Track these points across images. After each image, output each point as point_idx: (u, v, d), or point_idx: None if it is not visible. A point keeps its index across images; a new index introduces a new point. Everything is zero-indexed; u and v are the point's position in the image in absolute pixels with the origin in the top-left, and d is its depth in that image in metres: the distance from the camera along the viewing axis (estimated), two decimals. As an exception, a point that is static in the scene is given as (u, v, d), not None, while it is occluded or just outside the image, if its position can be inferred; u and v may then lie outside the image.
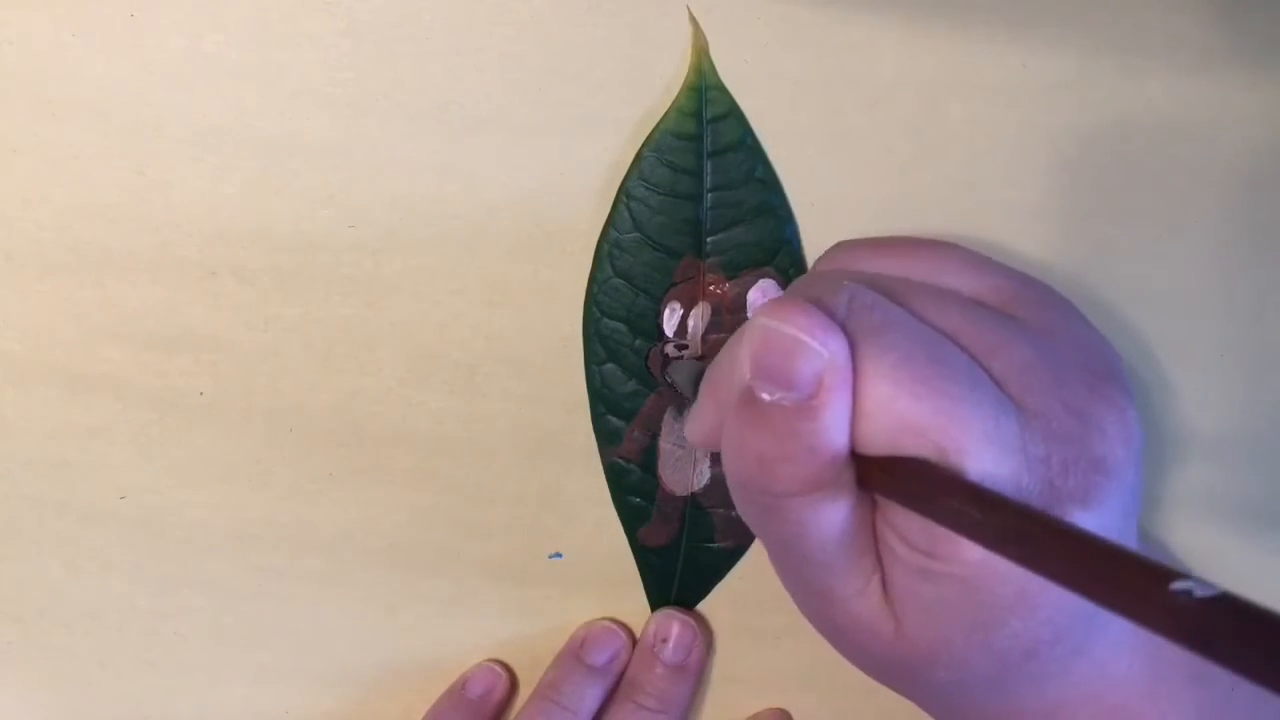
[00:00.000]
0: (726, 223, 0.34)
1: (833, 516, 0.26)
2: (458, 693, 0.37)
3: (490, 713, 0.37)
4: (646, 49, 0.32)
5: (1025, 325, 0.28)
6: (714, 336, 0.34)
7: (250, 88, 0.32)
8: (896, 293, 0.27)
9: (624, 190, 0.33)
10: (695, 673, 0.37)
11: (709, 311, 0.34)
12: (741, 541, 0.37)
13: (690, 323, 0.34)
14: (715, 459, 0.36)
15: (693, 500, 0.36)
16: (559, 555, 0.37)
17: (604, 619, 0.37)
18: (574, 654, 0.37)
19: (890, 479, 0.25)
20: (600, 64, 0.33)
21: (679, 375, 0.34)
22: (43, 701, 0.37)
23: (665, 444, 0.35)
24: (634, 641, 0.37)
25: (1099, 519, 0.25)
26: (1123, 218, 0.34)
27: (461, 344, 0.35)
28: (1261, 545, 0.36)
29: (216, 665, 0.37)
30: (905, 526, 0.25)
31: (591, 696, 0.36)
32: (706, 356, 0.35)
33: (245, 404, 0.35)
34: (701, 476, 0.36)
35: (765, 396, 0.25)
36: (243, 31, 0.32)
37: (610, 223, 0.34)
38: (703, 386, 0.29)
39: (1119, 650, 0.28)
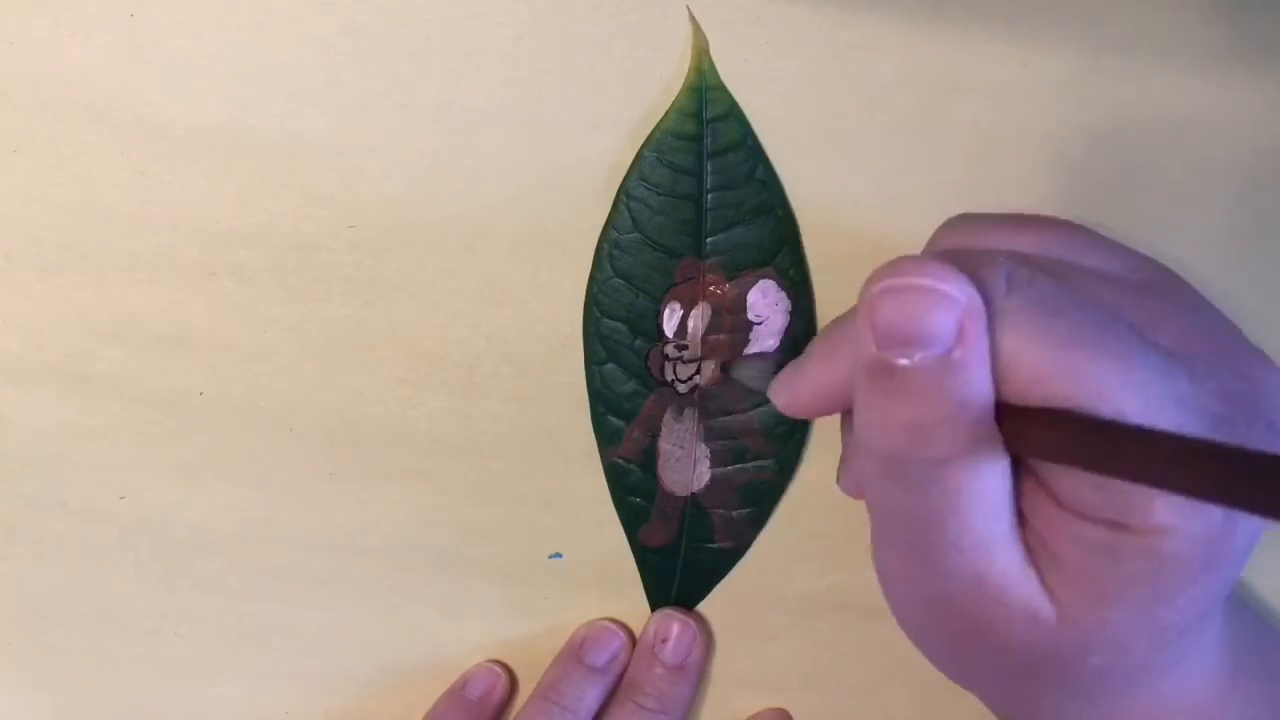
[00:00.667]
0: (726, 223, 0.34)
1: (992, 480, 0.25)
2: (458, 693, 0.37)
3: (490, 713, 0.37)
4: (646, 49, 0.32)
5: (1175, 303, 0.27)
6: (714, 337, 0.34)
7: (250, 88, 0.32)
8: (1046, 269, 0.26)
9: (624, 190, 0.33)
10: (695, 673, 0.37)
11: (709, 312, 0.34)
12: (741, 543, 0.37)
13: (690, 323, 0.34)
14: (715, 459, 0.36)
15: (693, 500, 0.36)
16: (559, 555, 0.37)
17: (604, 619, 0.37)
18: (574, 654, 0.37)
19: (1057, 435, 0.23)
20: (600, 64, 0.33)
21: (751, 371, 0.34)
22: (43, 701, 0.37)
23: (665, 444, 0.35)
24: (634, 641, 0.37)
25: None
26: (1122, 217, 0.34)
27: (461, 344, 0.35)
28: (1261, 545, 0.36)
29: (216, 665, 0.37)
30: (1087, 499, 0.24)
31: (591, 697, 0.36)
32: (707, 357, 0.35)
33: (245, 404, 0.35)
34: (701, 477, 0.36)
35: (903, 361, 0.24)
36: (243, 31, 0.32)
37: (610, 223, 0.33)
38: (813, 348, 0.28)
39: (1210, 644, 0.28)
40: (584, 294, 0.34)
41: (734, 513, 0.36)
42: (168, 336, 0.34)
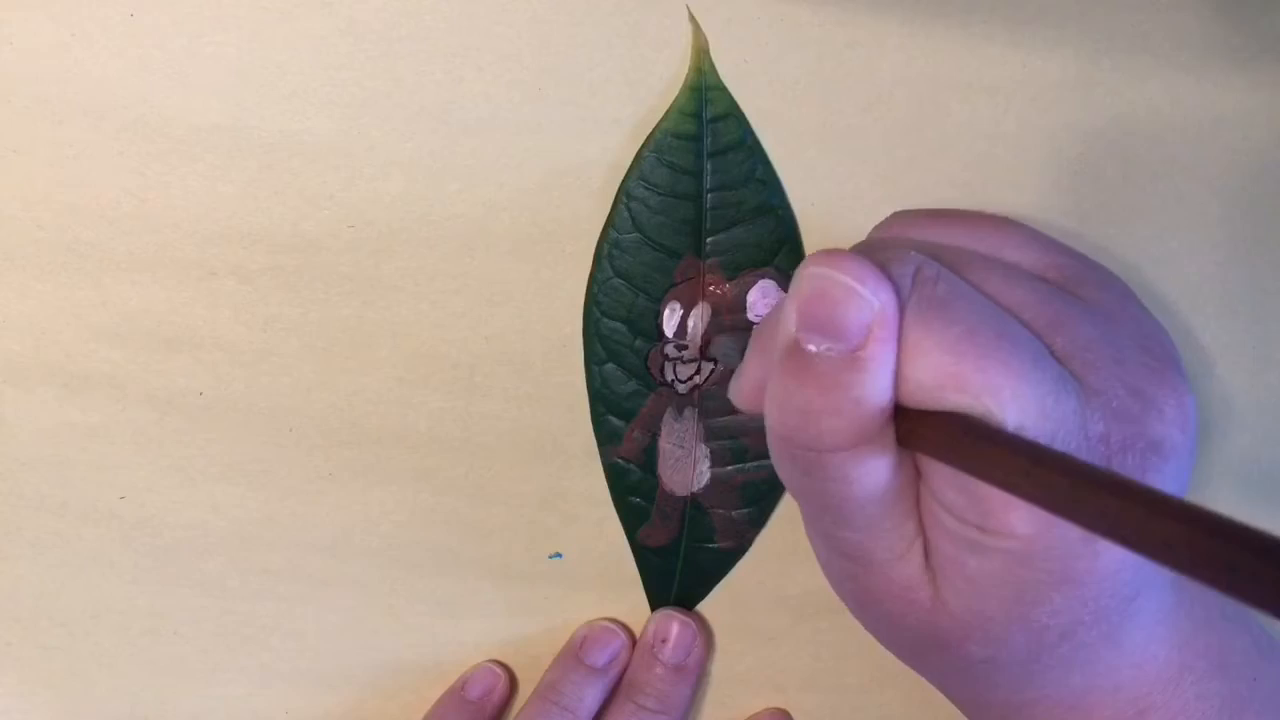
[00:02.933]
0: (726, 223, 0.34)
1: (875, 473, 0.25)
2: (457, 694, 0.37)
3: (490, 713, 0.37)
4: (646, 49, 0.32)
5: (1087, 304, 0.28)
6: (714, 337, 0.34)
7: (250, 88, 0.32)
8: (960, 264, 0.27)
9: (624, 190, 0.33)
10: (695, 673, 0.37)
11: (709, 312, 0.34)
12: (741, 543, 0.37)
13: (690, 323, 0.34)
14: (715, 459, 0.36)
15: (693, 501, 0.36)
16: (559, 555, 0.37)
17: (604, 619, 0.37)
18: (574, 654, 0.37)
19: (942, 438, 0.24)
20: (600, 64, 0.33)
21: (724, 348, 0.34)
22: (43, 701, 0.37)
23: (665, 444, 0.35)
24: (634, 641, 0.37)
25: None
26: (1122, 217, 0.34)
27: (461, 344, 0.35)
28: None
29: (216, 665, 0.37)
30: (953, 499, 0.25)
31: (591, 697, 0.36)
32: (707, 358, 0.35)
33: (245, 404, 0.35)
34: (701, 477, 0.36)
35: (811, 348, 0.25)
36: (243, 31, 0.32)
37: (610, 223, 0.34)
38: (750, 345, 0.29)
39: (1150, 639, 0.28)
40: (584, 294, 0.34)
41: (734, 513, 0.36)
42: (168, 336, 0.34)
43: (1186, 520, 0.18)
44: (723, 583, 0.37)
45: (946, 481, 0.25)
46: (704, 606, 0.38)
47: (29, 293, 0.34)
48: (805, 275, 0.25)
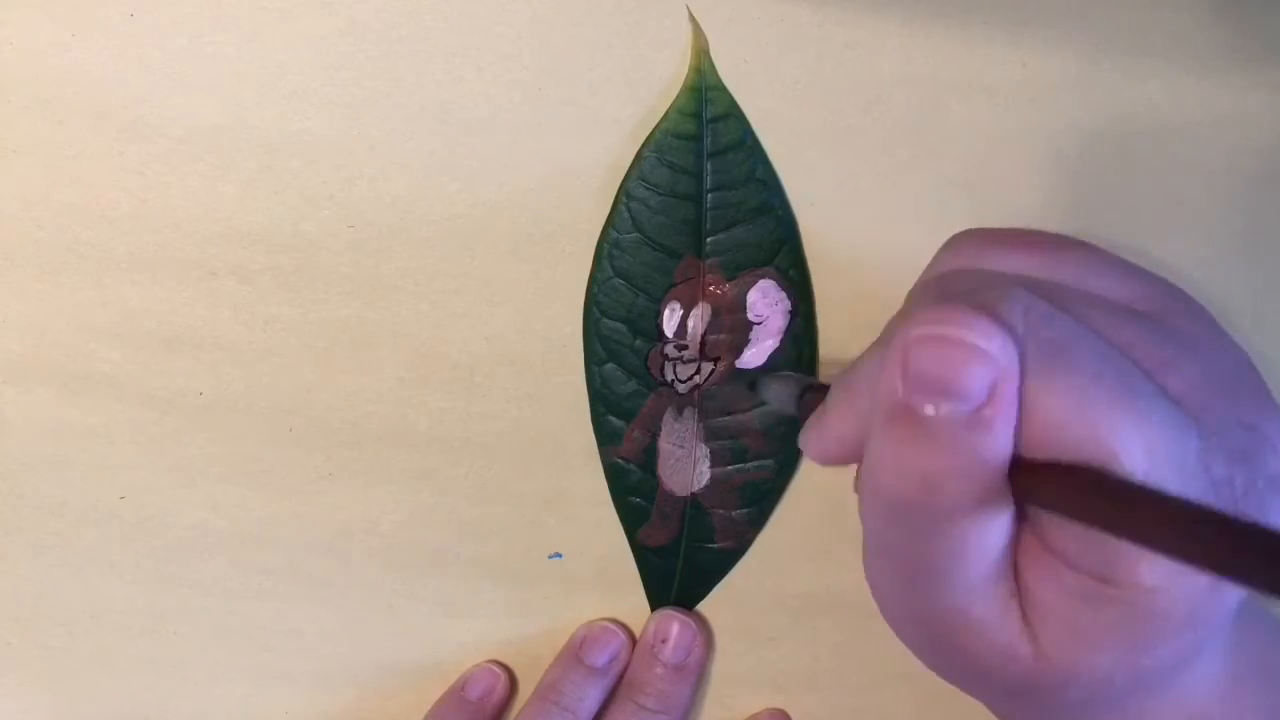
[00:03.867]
0: (726, 223, 0.34)
1: (994, 534, 0.24)
2: (457, 694, 0.37)
3: (490, 713, 0.37)
4: (646, 49, 0.32)
5: (1187, 337, 0.27)
6: (714, 337, 0.34)
7: (250, 88, 0.32)
8: (1062, 301, 0.26)
9: (624, 190, 0.33)
10: (695, 673, 0.37)
11: (709, 312, 0.34)
12: (741, 543, 0.37)
13: (690, 323, 0.34)
14: (714, 459, 0.36)
15: (693, 501, 0.36)
16: (559, 555, 0.37)
17: (604, 619, 0.37)
18: (574, 654, 0.37)
19: (1067, 491, 0.23)
20: (600, 64, 0.33)
21: (773, 392, 0.33)
22: (43, 701, 0.37)
23: (665, 444, 0.35)
24: (634, 642, 0.37)
25: None
26: (1123, 218, 0.34)
27: (461, 344, 0.35)
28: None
29: (216, 665, 0.37)
30: (1074, 551, 0.24)
31: (591, 697, 0.36)
32: (709, 357, 0.35)
33: (245, 404, 0.35)
34: (701, 477, 0.36)
35: (930, 411, 0.23)
36: (243, 31, 0.32)
37: (610, 223, 0.34)
38: (833, 397, 0.28)
39: (1213, 655, 0.28)
40: (584, 294, 0.34)
41: (734, 513, 0.36)
42: (168, 336, 0.34)
43: None
44: (723, 583, 0.37)
45: (1070, 533, 0.24)
46: (704, 606, 0.38)
47: (29, 293, 0.34)
48: (918, 336, 0.23)
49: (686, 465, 0.36)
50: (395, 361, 0.35)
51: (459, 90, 0.33)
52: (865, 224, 0.34)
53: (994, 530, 0.24)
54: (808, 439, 0.28)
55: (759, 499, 0.36)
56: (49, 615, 0.37)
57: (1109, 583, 0.24)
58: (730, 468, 0.36)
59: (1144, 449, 0.23)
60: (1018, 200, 0.34)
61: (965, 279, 0.27)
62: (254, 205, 0.33)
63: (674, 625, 0.37)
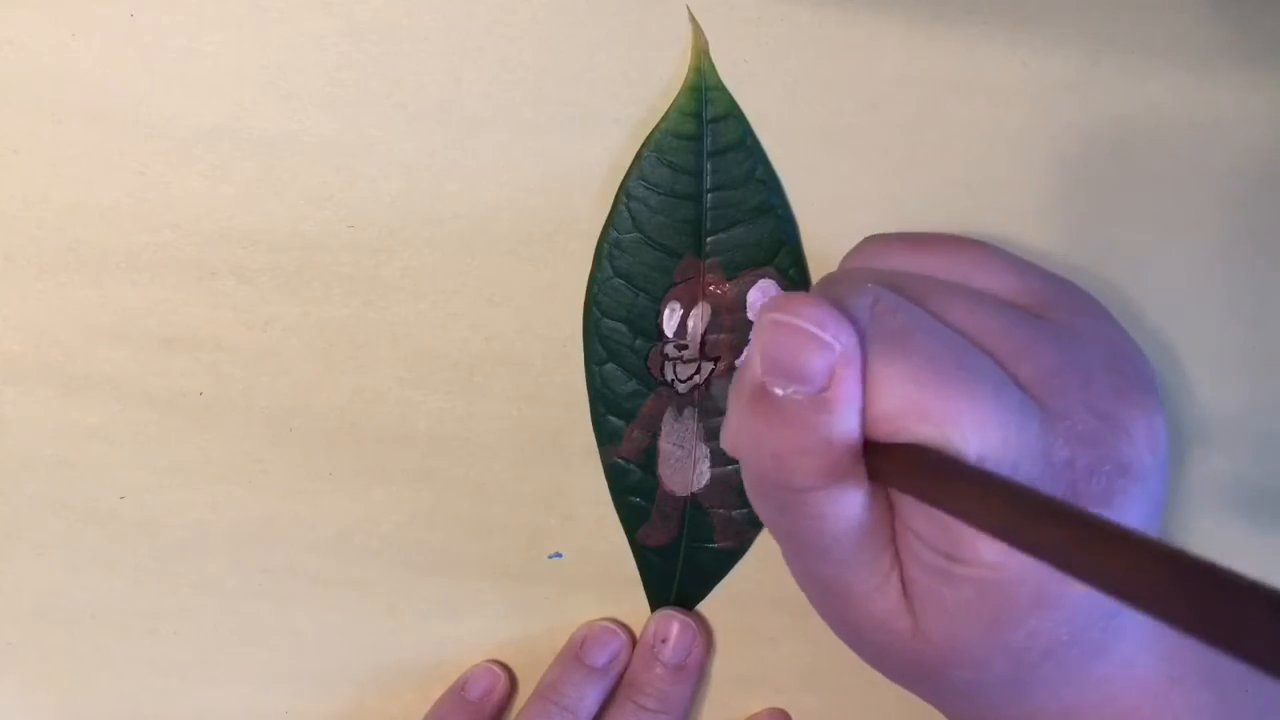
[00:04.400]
0: (726, 223, 0.34)
1: (849, 509, 0.26)
2: (457, 693, 0.37)
3: (490, 713, 0.37)
4: (646, 49, 0.32)
5: (1056, 328, 0.28)
6: (714, 337, 0.34)
7: (250, 88, 0.32)
8: (923, 293, 0.27)
9: (624, 190, 0.33)
10: (695, 673, 0.37)
11: (709, 312, 0.34)
12: (741, 543, 0.37)
13: (690, 323, 0.34)
14: (714, 459, 0.36)
15: (693, 500, 0.36)
16: (559, 555, 0.37)
17: (604, 619, 0.37)
18: (574, 654, 0.37)
19: (905, 470, 0.24)
20: (600, 64, 0.33)
21: (724, 392, 0.34)
22: (43, 701, 0.37)
23: (665, 444, 0.35)
24: (634, 642, 0.37)
25: (1122, 522, 0.25)
26: (1123, 218, 0.34)
27: (461, 344, 0.35)
28: (1260, 545, 0.36)
29: (216, 665, 0.37)
30: (924, 529, 0.25)
31: (591, 697, 0.36)
32: (709, 357, 0.35)
33: (245, 404, 0.35)
34: (701, 477, 0.36)
35: (778, 391, 0.25)
36: (243, 31, 0.32)
37: (610, 223, 0.34)
38: (730, 392, 0.29)
39: (1136, 651, 0.28)
40: (584, 294, 0.34)
41: (734, 512, 0.36)
42: (168, 336, 0.34)
43: (1136, 554, 0.17)
44: (723, 583, 0.37)
45: (916, 512, 0.26)
46: (704, 606, 0.38)
47: (29, 293, 0.34)
48: (766, 322, 0.25)
49: (686, 465, 0.36)
50: (395, 361, 0.35)
51: (459, 90, 0.33)
52: (865, 224, 0.34)
53: (846, 506, 0.26)
54: (723, 435, 0.30)
55: (759, 499, 0.36)
56: (49, 615, 0.37)
57: (956, 560, 0.25)
58: (730, 467, 0.36)
59: (976, 430, 0.24)
60: (1018, 200, 0.34)
61: (841, 276, 0.29)
62: (254, 205, 0.33)
63: (674, 625, 0.37)
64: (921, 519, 0.25)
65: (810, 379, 0.25)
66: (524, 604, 0.37)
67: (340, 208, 0.33)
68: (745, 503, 0.36)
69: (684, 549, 0.37)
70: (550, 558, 0.37)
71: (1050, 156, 0.33)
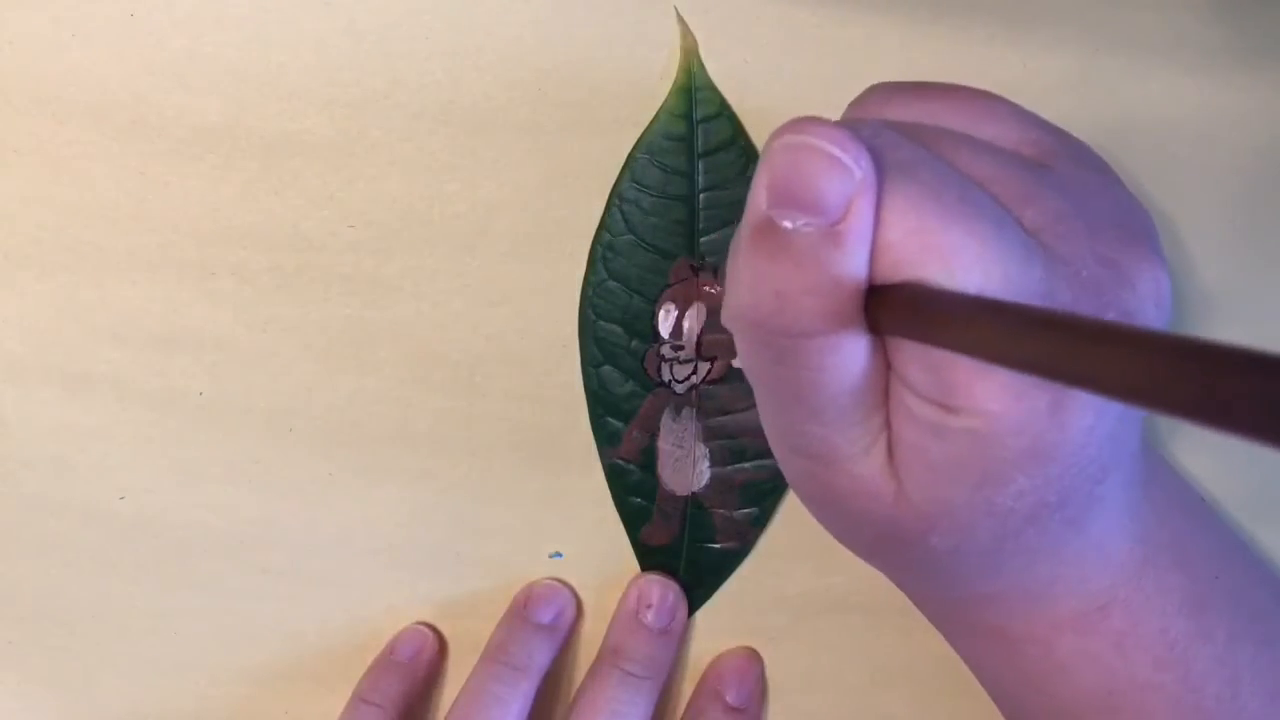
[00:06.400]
0: (719, 223, 0.34)
1: (851, 359, 0.24)
2: (386, 657, 0.37)
3: (421, 673, 0.37)
4: (646, 49, 0.32)
5: (1062, 179, 0.27)
6: (710, 337, 0.34)
7: (250, 88, 0.32)
8: (927, 140, 0.26)
9: (616, 192, 0.33)
10: (678, 636, 0.37)
11: (704, 312, 0.34)
12: (744, 543, 0.37)
13: (685, 324, 0.34)
14: (714, 459, 0.36)
15: (693, 500, 0.36)
16: (559, 555, 0.37)
17: (546, 578, 0.37)
18: (519, 613, 0.36)
19: (904, 310, 0.23)
20: (600, 64, 0.33)
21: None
22: (43, 701, 0.38)
23: (664, 444, 0.35)
24: (577, 598, 0.37)
25: None
26: (1123, 218, 0.34)
27: (461, 344, 0.35)
28: (1260, 545, 0.36)
29: (216, 665, 0.37)
30: (920, 379, 0.24)
31: (541, 654, 0.36)
32: (706, 357, 0.35)
33: (245, 404, 0.35)
34: (701, 477, 0.36)
35: (787, 224, 0.23)
36: (243, 31, 0.32)
37: (603, 225, 0.34)
38: (729, 254, 0.27)
39: (1114, 529, 0.28)
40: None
41: (735, 513, 0.36)
42: (168, 336, 0.34)
43: (1150, 347, 0.16)
44: (723, 582, 0.37)
45: (913, 361, 0.24)
46: (704, 606, 0.38)
47: (29, 293, 0.34)
48: (778, 146, 0.23)
49: (686, 465, 0.36)
50: (395, 361, 0.35)
51: (459, 90, 0.33)
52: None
53: (848, 353, 0.24)
54: (723, 308, 0.28)
55: (760, 498, 0.36)
56: (49, 615, 0.37)
57: (951, 410, 0.24)
58: (730, 467, 0.36)
59: (978, 264, 0.23)
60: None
61: (845, 123, 0.27)
62: (254, 205, 0.33)
63: (655, 589, 0.36)
64: (917, 369, 0.24)
65: (825, 209, 0.23)
66: (524, 604, 0.37)
67: (340, 208, 0.33)
68: (746, 503, 0.36)
69: (685, 549, 0.37)
70: (550, 557, 0.37)
71: (1050, 156, 0.33)
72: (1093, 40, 0.33)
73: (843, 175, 0.23)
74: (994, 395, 0.23)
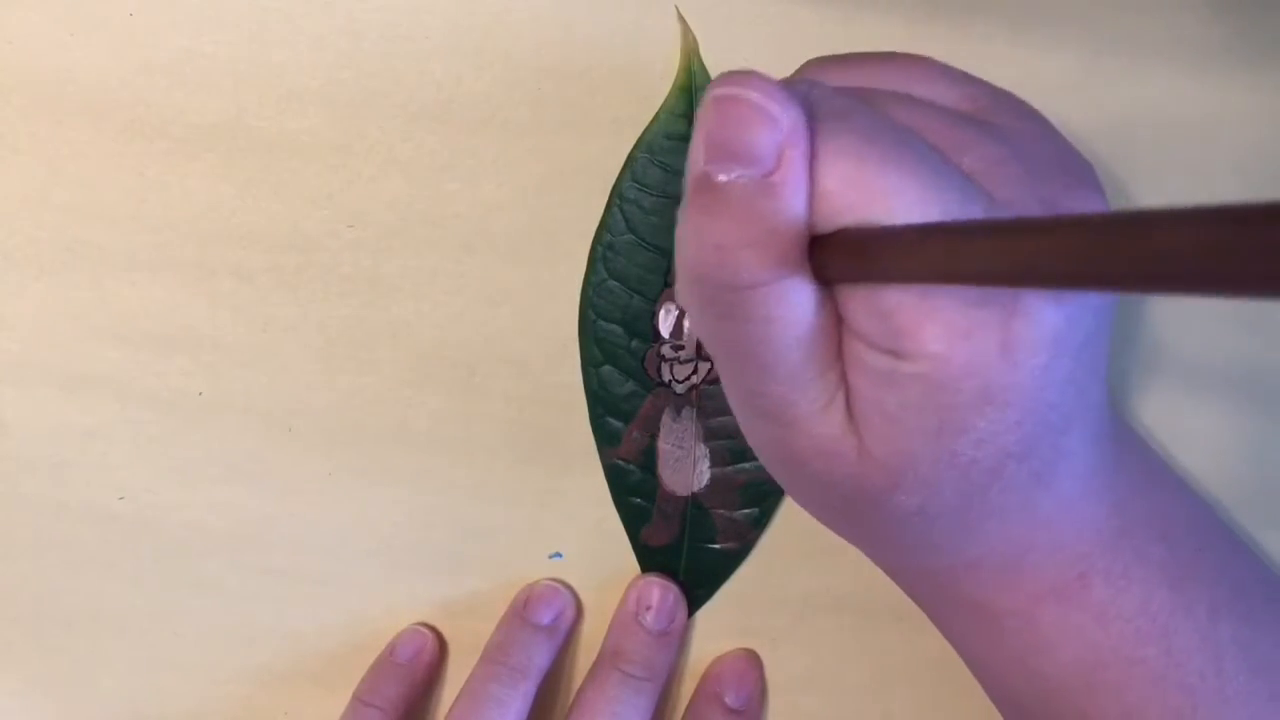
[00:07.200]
0: (721, 223, 0.34)
1: (797, 310, 0.24)
2: (387, 659, 0.37)
3: (421, 674, 0.37)
4: (646, 49, 0.32)
5: (1000, 129, 0.27)
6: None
7: (250, 87, 0.32)
8: (863, 96, 0.26)
9: (617, 192, 0.33)
10: (678, 638, 0.37)
11: (705, 312, 0.34)
12: (744, 544, 0.37)
13: (686, 324, 0.34)
14: (714, 460, 0.36)
15: (694, 500, 0.36)
16: (559, 555, 0.37)
17: (546, 579, 0.37)
18: (518, 614, 0.36)
19: (847, 253, 0.23)
20: (600, 64, 0.33)
21: None
22: (43, 701, 0.38)
23: (664, 444, 0.35)
24: (577, 599, 0.37)
25: (1068, 313, 0.24)
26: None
27: (461, 344, 0.35)
28: (1260, 545, 0.36)
29: (216, 665, 0.37)
30: (869, 328, 0.24)
31: (540, 655, 0.36)
32: (706, 357, 0.35)
33: (245, 404, 0.35)
34: (701, 477, 0.36)
35: (723, 178, 0.23)
36: (243, 31, 0.32)
37: (603, 224, 0.33)
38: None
39: (1086, 491, 0.28)
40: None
41: (735, 513, 0.36)
42: (168, 336, 0.34)
43: (1086, 225, 0.16)
44: (723, 583, 0.37)
45: (861, 309, 0.24)
46: (704, 606, 0.38)
47: (29, 293, 0.34)
48: (710, 100, 0.24)
49: (686, 465, 0.36)
50: (395, 361, 0.35)
51: (459, 90, 0.33)
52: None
53: (793, 303, 0.24)
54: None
55: (761, 499, 0.36)
56: (49, 615, 0.37)
57: (900, 355, 0.24)
58: (730, 467, 0.36)
59: (919, 208, 0.23)
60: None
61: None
62: (254, 205, 0.33)
63: (655, 591, 0.36)
64: (866, 316, 0.24)
65: (757, 159, 0.23)
66: (524, 604, 0.37)
67: (340, 208, 0.33)
68: (747, 503, 0.36)
69: (686, 549, 0.37)
70: (550, 558, 0.37)
71: (1050, 156, 0.33)
72: (1093, 40, 0.32)
73: (771, 125, 0.23)
74: (939, 336, 0.23)
